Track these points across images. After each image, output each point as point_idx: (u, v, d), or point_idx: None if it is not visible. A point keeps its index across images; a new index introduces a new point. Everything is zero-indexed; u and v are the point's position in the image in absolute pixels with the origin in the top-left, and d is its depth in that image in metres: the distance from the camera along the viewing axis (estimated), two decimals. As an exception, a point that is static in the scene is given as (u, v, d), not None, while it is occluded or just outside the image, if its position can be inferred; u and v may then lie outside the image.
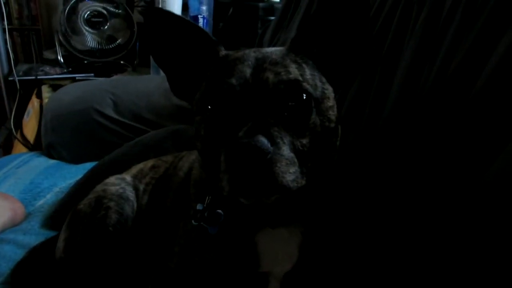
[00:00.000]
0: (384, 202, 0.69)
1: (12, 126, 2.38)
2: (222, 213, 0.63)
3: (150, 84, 1.57)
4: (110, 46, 2.38)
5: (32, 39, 3.43)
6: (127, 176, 0.90)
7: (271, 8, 2.21)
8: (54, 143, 1.48)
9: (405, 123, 0.71)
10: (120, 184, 0.86)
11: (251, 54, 0.59)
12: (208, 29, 2.18)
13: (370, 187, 0.71)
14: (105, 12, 2.30)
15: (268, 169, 0.50)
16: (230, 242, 0.64)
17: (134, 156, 1.11)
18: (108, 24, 2.35)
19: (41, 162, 1.46)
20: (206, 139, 0.58)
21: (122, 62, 2.52)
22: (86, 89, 1.54)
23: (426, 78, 0.72)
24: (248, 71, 0.56)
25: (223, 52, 0.63)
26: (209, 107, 0.57)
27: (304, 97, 0.55)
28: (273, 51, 0.60)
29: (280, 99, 0.54)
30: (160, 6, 2.08)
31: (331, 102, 0.60)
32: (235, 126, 0.52)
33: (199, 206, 0.65)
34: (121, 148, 1.25)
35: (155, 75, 1.91)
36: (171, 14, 0.63)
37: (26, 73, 2.45)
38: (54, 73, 2.39)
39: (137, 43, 2.47)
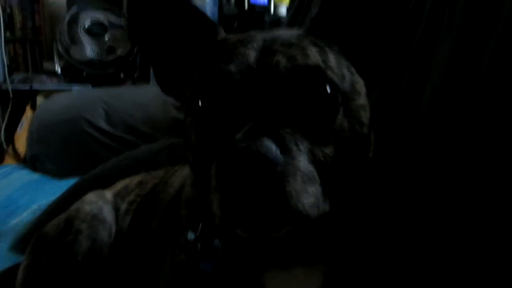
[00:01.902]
0: (428, 232, 0.54)
1: (3, 138, 2.26)
2: (220, 245, 0.48)
3: (147, 95, 1.46)
4: (110, 58, 2.28)
5: (34, 50, 3.38)
6: (108, 193, 0.76)
7: (277, 21, 2.15)
8: (39, 155, 1.37)
9: (450, 130, 0.57)
10: (97, 202, 0.72)
11: (258, 35, 0.46)
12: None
13: (409, 212, 0.56)
14: (106, 22, 2.22)
15: (277, 187, 0.36)
16: (230, 283, 0.49)
17: (122, 171, 0.97)
18: (108, 34, 2.27)
19: (23, 175, 1.36)
20: (198, 147, 0.45)
21: (122, 74, 2.43)
22: (77, 97, 1.44)
23: (471, 74, 0.58)
24: (252, 55, 0.43)
25: (222, 35, 0.50)
26: (200, 103, 0.43)
27: (328, 90, 0.42)
28: (287, 32, 0.47)
29: (294, 90, 0.41)
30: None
31: (362, 100, 0.46)
32: (233, 128, 0.39)
33: (190, 235, 0.51)
34: (109, 162, 1.12)
35: (153, 86, 1.80)
36: None
37: (21, 82, 2.35)
38: (50, 83, 2.29)
39: (138, 56, 2.38)
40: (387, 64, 0.52)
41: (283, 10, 2.14)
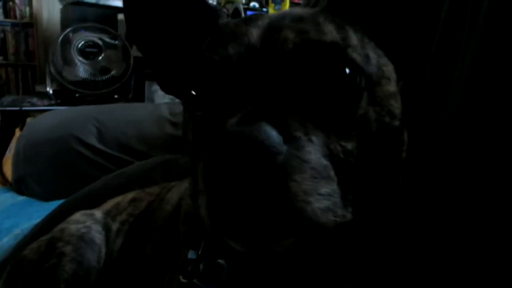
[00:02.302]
0: (474, 246, 0.47)
1: (-10, 162, 2.17)
2: (225, 265, 0.41)
3: (141, 112, 1.40)
4: (103, 78, 2.23)
5: (26, 74, 3.34)
6: (98, 212, 0.68)
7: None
8: (25, 176, 1.28)
9: (482, 132, 0.50)
10: (85, 221, 0.64)
11: (264, 15, 0.40)
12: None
13: (448, 225, 0.48)
14: (100, 42, 2.18)
15: (278, 184, 0.29)
16: None
17: (113, 190, 0.89)
18: (102, 54, 2.23)
19: (7, 198, 1.26)
20: (194, 144, 0.38)
21: (116, 96, 2.37)
22: (67, 115, 1.36)
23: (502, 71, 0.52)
24: (255, 33, 0.36)
25: (224, 19, 0.45)
26: (195, 92, 0.37)
27: (348, 70, 0.35)
28: (298, 9, 0.41)
29: (305, 70, 0.34)
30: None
31: (392, 87, 0.40)
32: (229, 117, 0.32)
33: (191, 254, 0.43)
34: (99, 181, 1.04)
35: (147, 103, 1.74)
36: None
37: (11, 104, 2.28)
38: (41, 105, 2.23)
39: (133, 76, 2.34)
40: (414, 51, 0.45)
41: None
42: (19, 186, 1.30)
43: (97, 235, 0.62)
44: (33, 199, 1.25)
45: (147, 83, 2.07)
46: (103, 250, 0.61)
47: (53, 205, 1.16)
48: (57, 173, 1.26)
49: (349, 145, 0.34)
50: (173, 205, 0.58)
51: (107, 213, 0.68)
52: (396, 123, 0.38)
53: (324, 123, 0.33)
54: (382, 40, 0.41)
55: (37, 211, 1.15)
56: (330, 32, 0.36)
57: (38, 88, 2.69)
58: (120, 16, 2.55)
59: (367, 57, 0.38)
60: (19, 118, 2.27)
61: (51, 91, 2.27)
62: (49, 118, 1.35)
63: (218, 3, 2.30)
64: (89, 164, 1.25)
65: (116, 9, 2.56)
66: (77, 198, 0.95)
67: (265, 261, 0.40)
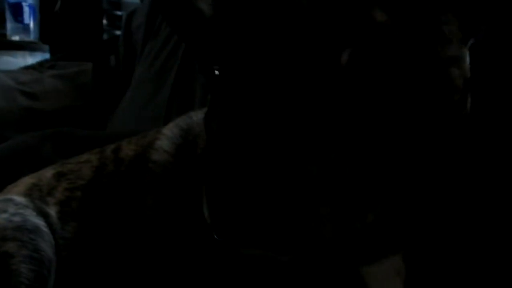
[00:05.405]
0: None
1: None
2: None
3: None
4: None
5: None
6: (17, 197, 0.48)
7: (117, 3, 1.92)
8: None
9: None
10: (7, 209, 0.44)
11: None
12: (35, 20, 1.69)
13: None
14: None
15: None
16: (314, 276, 0.35)
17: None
18: None
19: None
20: None
21: None
22: None
23: None
24: None
25: None
26: None
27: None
28: None
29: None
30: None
31: (453, 51, 0.30)
32: None
33: None
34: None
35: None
36: None
37: None
38: None
39: None
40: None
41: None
42: None
43: (38, 221, 0.43)
44: None
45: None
46: (52, 240, 0.44)
47: None
48: None
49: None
50: (171, 153, 0.45)
51: (28, 196, 0.49)
52: (457, 96, 0.30)
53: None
54: None
55: None
56: None
57: None
58: None
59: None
60: None
61: None
62: None
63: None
64: None
65: None
66: None
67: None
